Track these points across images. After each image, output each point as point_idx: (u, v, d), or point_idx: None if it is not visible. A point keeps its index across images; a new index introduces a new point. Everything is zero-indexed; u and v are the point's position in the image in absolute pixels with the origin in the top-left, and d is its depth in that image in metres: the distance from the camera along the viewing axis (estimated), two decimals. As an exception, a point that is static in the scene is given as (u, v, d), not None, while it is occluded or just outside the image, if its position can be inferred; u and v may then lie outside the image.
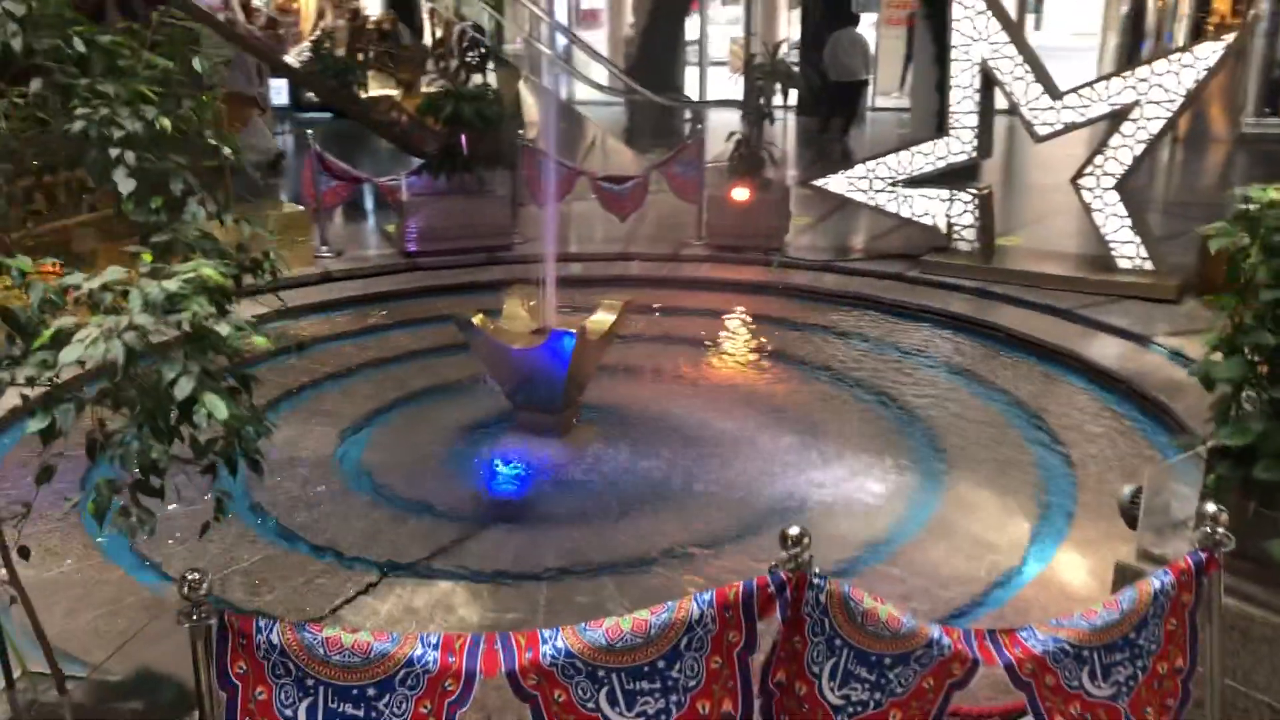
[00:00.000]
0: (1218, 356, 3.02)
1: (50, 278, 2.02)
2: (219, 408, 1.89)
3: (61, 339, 1.85)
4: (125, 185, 2.18)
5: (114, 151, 2.14)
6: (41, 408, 2.00)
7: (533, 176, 9.10)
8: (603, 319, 5.73)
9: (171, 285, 1.88)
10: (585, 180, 9.10)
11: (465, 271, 8.49)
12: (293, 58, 14.72)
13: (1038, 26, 32.60)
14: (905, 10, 17.00)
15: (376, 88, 15.12)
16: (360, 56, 15.65)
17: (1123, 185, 7.47)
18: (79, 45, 2.18)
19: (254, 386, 2.38)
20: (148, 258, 2.02)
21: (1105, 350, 6.51)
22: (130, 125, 2.12)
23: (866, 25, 19.32)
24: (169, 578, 4.20)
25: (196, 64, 2.34)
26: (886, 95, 17.81)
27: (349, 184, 8.82)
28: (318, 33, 16.85)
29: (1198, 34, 15.88)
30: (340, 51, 15.47)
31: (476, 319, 5.56)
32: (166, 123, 2.17)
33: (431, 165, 8.90)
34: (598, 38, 22.69)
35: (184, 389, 1.86)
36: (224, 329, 1.93)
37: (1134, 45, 17.00)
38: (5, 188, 2.23)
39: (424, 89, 13.35)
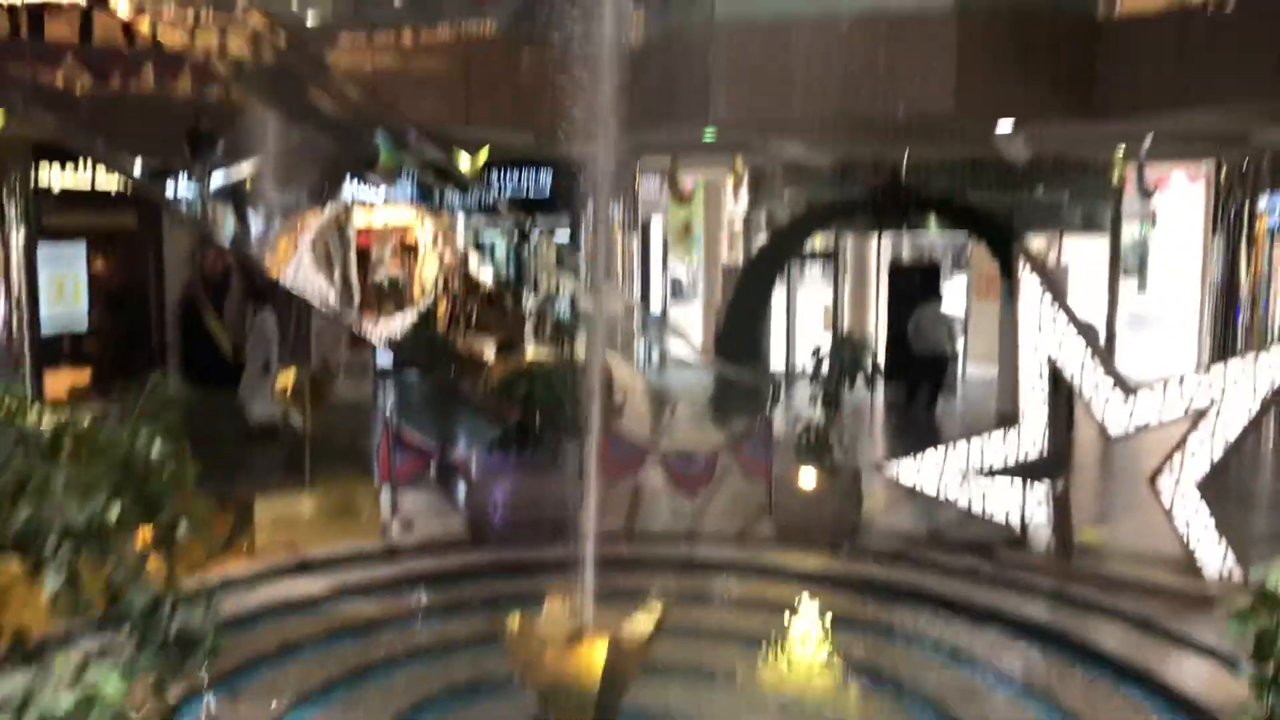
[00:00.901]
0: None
1: None
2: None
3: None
4: (51, 584, 2.24)
5: (50, 545, 2.22)
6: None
7: (604, 453, 9.17)
8: (643, 623, 5.57)
9: (67, 700, 1.89)
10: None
11: (530, 549, 8.44)
12: (399, 321, 15.45)
13: (1141, 287, 32.47)
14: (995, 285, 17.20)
15: (474, 350, 15.74)
16: (464, 322, 16.39)
17: (1206, 486, 7.16)
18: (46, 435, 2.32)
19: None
20: (59, 666, 2.04)
21: (1190, 673, 6.02)
22: (75, 517, 2.21)
23: (960, 292, 19.64)
24: None
25: (155, 448, 2.44)
26: (978, 364, 17.76)
27: (423, 458, 9.03)
28: (429, 299, 17.79)
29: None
30: (443, 319, 16.21)
31: (512, 621, 5.47)
32: (113, 514, 2.25)
33: (504, 441, 9.08)
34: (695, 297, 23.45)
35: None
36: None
37: (1229, 313, 16.77)
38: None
39: (524, 351, 13.80)
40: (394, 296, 17.69)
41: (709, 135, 13.30)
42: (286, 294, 13.69)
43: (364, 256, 17.29)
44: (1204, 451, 7.07)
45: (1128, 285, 26.06)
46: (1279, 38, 9.77)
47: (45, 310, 13.54)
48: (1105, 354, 7.60)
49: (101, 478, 2.23)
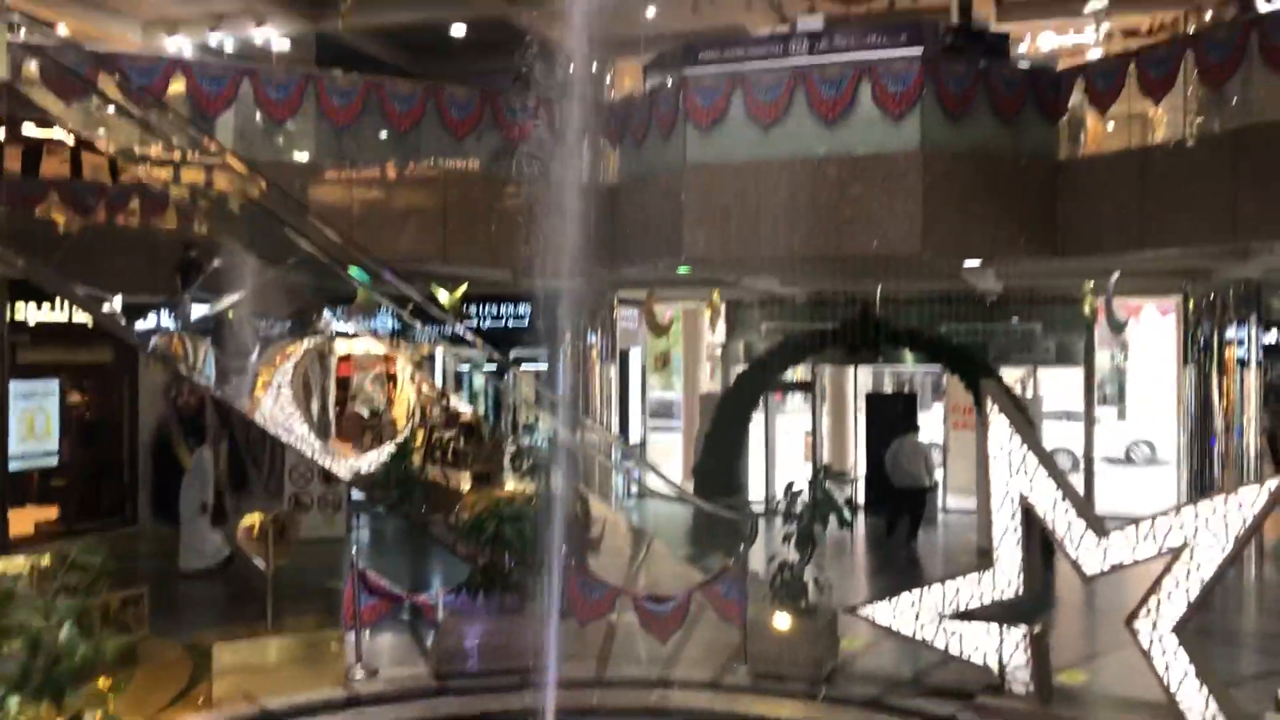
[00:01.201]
0: None
1: None
2: None
3: None
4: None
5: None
6: None
7: (575, 595, 8.97)
8: (606, 783, 5.37)
9: None
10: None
11: (497, 697, 8.20)
12: (371, 456, 15.26)
13: (1121, 416, 32.51)
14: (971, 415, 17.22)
15: (450, 482, 15.49)
16: (439, 453, 16.20)
17: (1186, 626, 7.03)
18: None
19: None
20: None
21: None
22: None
23: (938, 421, 19.62)
24: None
25: (65, 631, 2.35)
26: (958, 495, 17.65)
27: (389, 601, 8.81)
28: (407, 430, 17.60)
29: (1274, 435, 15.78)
30: (420, 450, 16.03)
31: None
32: (12, 706, 2.15)
33: (471, 584, 8.89)
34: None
35: None
36: None
37: (1204, 442, 16.79)
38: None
39: (501, 483, 13.62)
40: (373, 427, 17.57)
41: (684, 270, 13.49)
42: (261, 429, 13.56)
43: (343, 386, 17.25)
44: (1180, 592, 6.96)
45: (1106, 414, 26.20)
46: (1236, 181, 10.04)
47: (15, 446, 13.37)
48: (1077, 493, 7.54)
49: (3, 665, 2.14)
